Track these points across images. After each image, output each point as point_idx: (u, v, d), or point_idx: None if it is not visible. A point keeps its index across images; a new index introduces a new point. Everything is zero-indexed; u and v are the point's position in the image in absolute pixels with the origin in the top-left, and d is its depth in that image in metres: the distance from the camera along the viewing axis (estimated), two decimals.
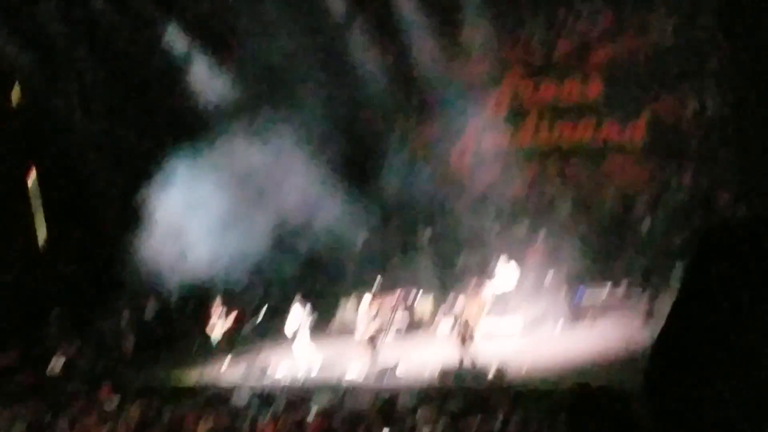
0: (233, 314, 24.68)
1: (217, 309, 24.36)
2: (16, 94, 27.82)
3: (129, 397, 21.75)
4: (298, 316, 22.81)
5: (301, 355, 22.83)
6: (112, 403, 21.07)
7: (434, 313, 24.67)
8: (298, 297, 23.39)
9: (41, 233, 28.13)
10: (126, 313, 26.94)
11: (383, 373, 21.52)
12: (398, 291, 25.54)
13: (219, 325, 24.20)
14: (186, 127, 25.44)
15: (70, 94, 27.82)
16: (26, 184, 27.87)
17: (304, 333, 22.80)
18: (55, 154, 27.55)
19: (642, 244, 25.25)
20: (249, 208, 24.70)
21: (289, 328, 22.98)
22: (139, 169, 25.34)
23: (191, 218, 24.36)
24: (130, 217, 24.64)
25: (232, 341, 24.40)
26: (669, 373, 1.49)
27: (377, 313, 23.26)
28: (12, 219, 27.27)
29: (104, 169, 28.13)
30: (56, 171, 27.63)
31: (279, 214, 24.67)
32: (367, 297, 23.41)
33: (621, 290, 24.39)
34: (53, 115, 27.31)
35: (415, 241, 28.48)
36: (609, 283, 24.70)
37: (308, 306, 23.30)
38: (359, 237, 28.62)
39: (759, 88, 24.05)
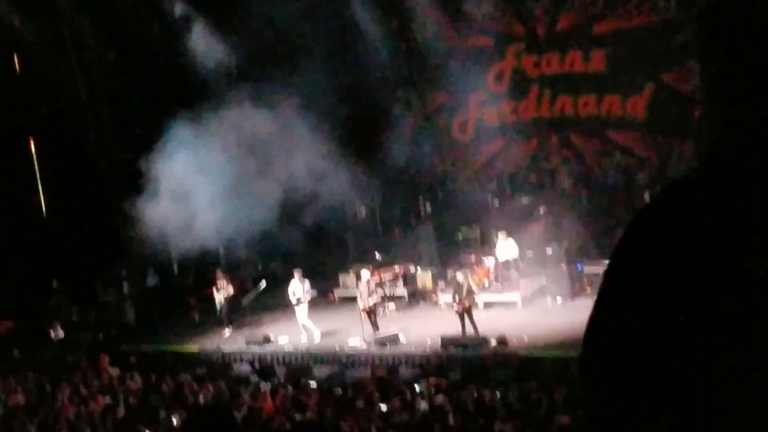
0: (234, 284, 24.73)
1: (219, 279, 24.43)
2: (16, 63, 27.72)
3: (129, 366, 21.81)
4: (299, 287, 22.84)
5: (301, 326, 22.88)
6: (112, 372, 21.10)
7: (435, 285, 24.70)
8: (299, 268, 23.40)
9: (42, 203, 28.10)
10: (127, 283, 26.98)
11: (383, 344, 21.58)
12: (399, 263, 25.58)
13: (220, 295, 24.28)
14: (188, 95, 25.29)
15: (70, 62, 27.69)
16: (28, 153, 27.81)
17: (305, 304, 22.84)
18: (57, 123, 27.47)
19: None
20: (250, 177, 24.68)
21: (289, 299, 23.02)
22: (141, 137, 25.29)
23: (193, 188, 24.34)
24: (131, 186, 24.60)
25: (233, 311, 24.44)
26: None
27: (378, 284, 23.30)
28: (13, 188, 27.23)
29: (106, 137, 28.07)
30: (58, 140, 27.56)
31: (280, 184, 24.64)
32: (368, 268, 23.46)
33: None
34: (54, 83, 27.22)
35: (416, 214, 28.50)
36: (609, 257, 24.69)
37: (309, 277, 23.32)
38: (360, 208, 28.65)
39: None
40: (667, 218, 1.44)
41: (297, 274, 23.03)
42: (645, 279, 1.42)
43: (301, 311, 22.83)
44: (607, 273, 1.51)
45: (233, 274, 25.59)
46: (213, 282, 24.45)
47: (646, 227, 1.47)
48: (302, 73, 26.11)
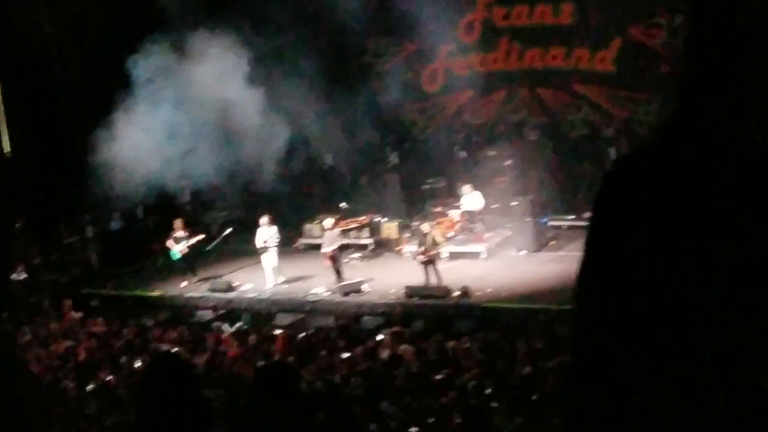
0: (200, 230, 24.62)
1: (184, 224, 24.28)
2: None
3: (92, 311, 21.72)
4: (267, 232, 22.87)
5: (267, 270, 22.92)
6: (74, 316, 21.01)
7: (400, 235, 24.74)
8: (267, 215, 23.35)
9: (5, 144, 27.75)
10: (90, 227, 26.79)
11: (347, 293, 21.64)
12: (365, 212, 25.59)
13: (185, 240, 24.14)
14: (155, 34, 24.84)
15: (37, 3, 27.22)
16: None
17: (271, 251, 22.86)
18: (21, 65, 27.03)
19: None
20: (217, 123, 24.49)
21: (255, 246, 23.01)
22: (108, 79, 24.92)
23: (159, 131, 24.09)
24: (96, 130, 24.30)
25: (198, 257, 24.35)
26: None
27: (342, 233, 23.31)
28: None
29: (72, 80, 27.70)
30: (22, 82, 27.15)
31: (247, 131, 24.46)
32: (332, 217, 23.46)
33: (585, 218, 24.52)
34: (20, 25, 26.75)
35: (384, 163, 28.46)
36: (574, 211, 24.86)
37: (275, 225, 23.29)
38: (327, 157, 28.56)
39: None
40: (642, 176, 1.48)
41: (265, 220, 23.04)
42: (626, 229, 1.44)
43: (269, 256, 22.86)
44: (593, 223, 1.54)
45: (198, 219, 25.42)
46: (177, 227, 24.22)
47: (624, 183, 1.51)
48: (271, 18, 25.83)
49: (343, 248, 23.20)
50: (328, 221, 23.05)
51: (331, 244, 22.32)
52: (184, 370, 4.06)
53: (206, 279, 23.78)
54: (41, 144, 26.99)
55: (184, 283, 23.75)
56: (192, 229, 24.45)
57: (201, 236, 24.37)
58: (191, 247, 24.00)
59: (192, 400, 3.84)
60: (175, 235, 23.96)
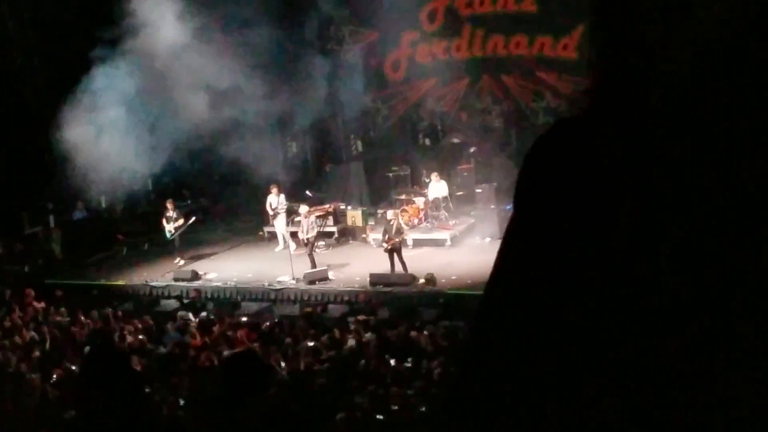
0: (163, 220, 24.55)
1: (174, 205, 24.39)
2: None
3: (55, 300, 21.56)
4: (275, 199, 23.19)
5: (280, 235, 23.13)
6: (37, 306, 20.86)
7: (365, 223, 24.76)
8: (274, 185, 23.62)
9: None
10: (53, 217, 26.61)
11: (312, 281, 21.63)
12: (330, 200, 25.59)
13: (170, 225, 24.16)
14: (117, 22, 24.67)
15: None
16: None
17: (282, 215, 23.17)
18: None
19: None
20: (179, 111, 24.37)
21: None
22: (70, 70, 24.75)
23: (121, 123, 23.98)
24: (59, 120, 24.13)
25: (162, 246, 24.29)
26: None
27: (309, 222, 23.31)
28: None
29: (33, 70, 27.49)
30: None
31: (210, 119, 24.36)
32: (306, 205, 23.54)
33: None
34: None
35: (348, 152, 28.45)
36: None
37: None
38: (291, 146, 28.51)
39: None
40: (561, 155, 1.41)
41: (274, 189, 23.73)
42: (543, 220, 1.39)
43: (279, 221, 23.79)
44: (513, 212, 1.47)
45: (162, 208, 25.33)
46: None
47: (541, 163, 1.43)
48: (233, 8, 25.68)
49: (320, 235, 23.31)
50: (303, 208, 23.14)
51: (308, 230, 22.48)
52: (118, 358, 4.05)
53: (172, 267, 23.76)
54: (2, 134, 26.73)
55: (177, 260, 23.83)
56: (157, 216, 24.45)
57: (192, 219, 24.56)
58: (157, 235, 24.04)
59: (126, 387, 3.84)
60: (167, 214, 24.11)
